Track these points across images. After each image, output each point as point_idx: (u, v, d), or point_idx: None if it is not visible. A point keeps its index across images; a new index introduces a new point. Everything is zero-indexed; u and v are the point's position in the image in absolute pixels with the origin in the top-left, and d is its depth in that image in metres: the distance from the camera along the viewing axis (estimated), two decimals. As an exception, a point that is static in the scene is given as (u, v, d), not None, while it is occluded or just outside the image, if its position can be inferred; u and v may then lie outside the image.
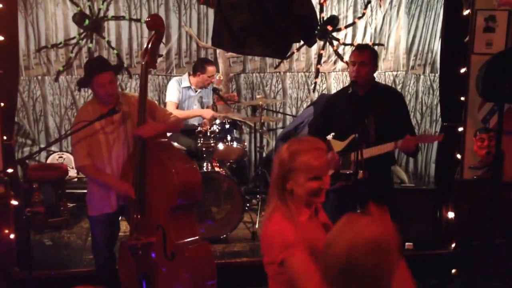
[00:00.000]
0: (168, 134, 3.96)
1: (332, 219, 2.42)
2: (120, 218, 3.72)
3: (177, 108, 5.26)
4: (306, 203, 2.16)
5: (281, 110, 6.23)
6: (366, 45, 5.21)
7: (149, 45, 3.37)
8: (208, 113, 5.21)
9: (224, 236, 4.59)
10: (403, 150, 3.60)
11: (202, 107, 5.45)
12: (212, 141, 4.72)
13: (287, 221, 2.08)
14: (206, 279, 3.25)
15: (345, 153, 3.67)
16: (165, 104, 5.36)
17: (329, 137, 3.83)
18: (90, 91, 5.72)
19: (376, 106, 3.60)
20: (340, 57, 6.13)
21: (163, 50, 5.81)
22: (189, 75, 5.37)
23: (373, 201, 2.05)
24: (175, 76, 5.69)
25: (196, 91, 5.37)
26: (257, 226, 4.79)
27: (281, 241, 2.05)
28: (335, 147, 3.73)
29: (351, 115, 3.62)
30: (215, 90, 5.33)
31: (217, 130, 4.86)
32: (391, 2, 6.12)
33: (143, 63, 3.37)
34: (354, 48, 4.05)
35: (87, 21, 5.64)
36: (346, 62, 5.89)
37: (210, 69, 5.28)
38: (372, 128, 3.59)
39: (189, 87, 5.33)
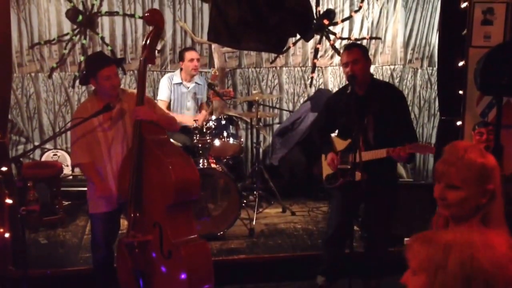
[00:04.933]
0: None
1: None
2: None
3: (168, 106, 5.20)
4: None
5: (277, 106, 6.18)
6: (354, 43, 5.13)
7: (148, 41, 3.33)
8: (200, 118, 5.06)
9: (221, 233, 4.55)
10: (395, 159, 3.50)
11: (196, 103, 5.40)
12: (208, 138, 4.68)
13: None
14: (203, 279, 3.22)
15: (345, 152, 3.64)
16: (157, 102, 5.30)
17: (333, 134, 3.80)
18: (84, 88, 5.71)
19: (375, 105, 3.53)
20: (337, 51, 6.07)
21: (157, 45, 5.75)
22: (181, 70, 5.32)
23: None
24: (169, 72, 5.63)
25: (188, 87, 5.31)
26: (254, 223, 4.76)
27: None
28: (338, 145, 3.70)
29: (350, 115, 3.55)
30: (210, 86, 5.27)
31: (213, 126, 4.81)
32: (388, -5, 6.09)
33: (141, 59, 3.33)
34: (342, 50, 3.96)
35: (80, 17, 5.58)
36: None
37: (188, 54, 5.21)
38: (370, 129, 3.54)
39: (180, 83, 5.27)
